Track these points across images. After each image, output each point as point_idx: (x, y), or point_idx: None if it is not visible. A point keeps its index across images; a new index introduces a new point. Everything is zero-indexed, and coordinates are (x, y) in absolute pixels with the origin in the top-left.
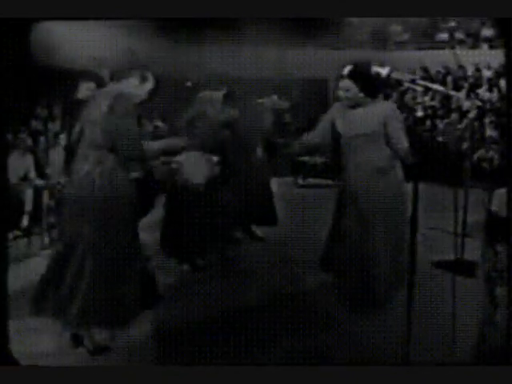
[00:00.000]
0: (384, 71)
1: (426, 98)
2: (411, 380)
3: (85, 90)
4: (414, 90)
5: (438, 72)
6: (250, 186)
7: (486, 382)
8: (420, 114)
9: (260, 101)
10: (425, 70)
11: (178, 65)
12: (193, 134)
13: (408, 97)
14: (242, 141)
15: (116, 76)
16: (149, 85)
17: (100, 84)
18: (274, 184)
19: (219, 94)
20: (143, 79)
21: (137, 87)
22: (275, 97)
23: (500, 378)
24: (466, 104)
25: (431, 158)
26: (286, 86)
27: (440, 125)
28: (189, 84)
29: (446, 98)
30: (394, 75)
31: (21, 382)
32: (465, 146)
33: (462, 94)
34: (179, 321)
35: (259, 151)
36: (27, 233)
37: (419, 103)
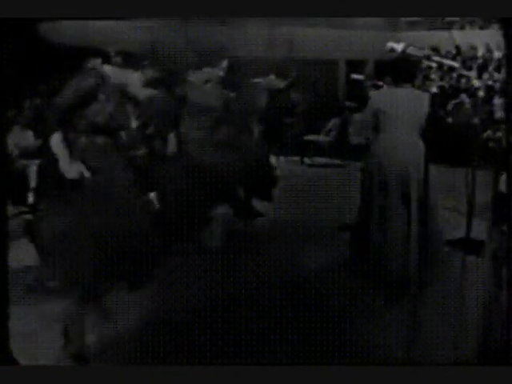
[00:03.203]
0: (399, 47)
1: (436, 76)
2: (411, 380)
3: (90, 65)
4: (429, 67)
5: (448, 52)
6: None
7: (486, 382)
8: (434, 90)
9: (256, 80)
10: (435, 49)
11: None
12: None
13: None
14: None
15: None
16: (150, 92)
17: (106, 61)
18: (278, 162)
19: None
20: (147, 83)
21: (138, 88)
22: (272, 76)
23: (500, 378)
24: (476, 83)
25: (442, 138)
26: (295, 66)
27: (449, 105)
28: None
29: (457, 77)
30: (409, 51)
31: (21, 382)
32: (473, 126)
33: (473, 73)
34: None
35: (255, 130)
36: (33, 209)
37: (433, 80)
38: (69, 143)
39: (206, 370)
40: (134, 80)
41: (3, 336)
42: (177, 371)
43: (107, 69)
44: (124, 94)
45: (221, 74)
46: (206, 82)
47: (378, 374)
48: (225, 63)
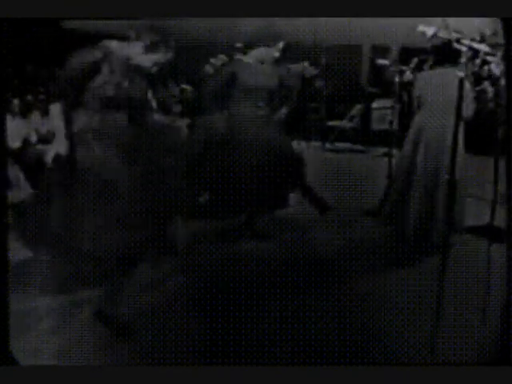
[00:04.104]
0: (430, 31)
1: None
2: (409, 380)
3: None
4: (460, 51)
5: (473, 39)
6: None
7: (486, 382)
8: (461, 74)
9: (289, 66)
10: (460, 33)
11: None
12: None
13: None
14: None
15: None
16: (157, 56)
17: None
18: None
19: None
20: (151, 48)
21: (142, 56)
22: (306, 63)
23: (500, 378)
24: (497, 70)
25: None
26: (318, 53)
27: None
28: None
29: (480, 64)
30: (441, 34)
31: (21, 382)
32: (496, 113)
33: (496, 59)
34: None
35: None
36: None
37: (463, 64)
38: (68, 116)
39: (205, 370)
40: (135, 49)
41: (3, 336)
42: (177, 371)
43: (110, 43)
44: (130, 68)
45: (276, 54)
46: (260, 62)
47: (380, 374)
48: (281, 44)
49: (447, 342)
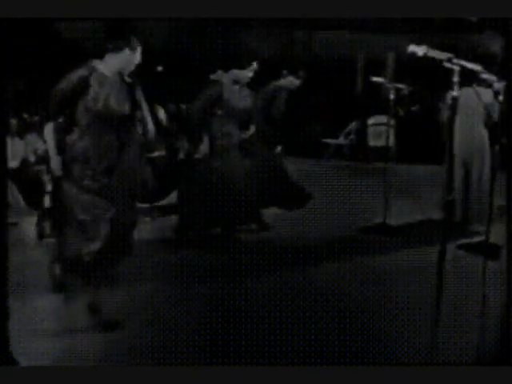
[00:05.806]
0: (421, 50)
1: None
2: (409, 380)
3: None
4: (451, 70)
5: (466, 56)
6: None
7: (486, 382)
8: (455, 93)
9: (276, 82)
10: (454, 51)
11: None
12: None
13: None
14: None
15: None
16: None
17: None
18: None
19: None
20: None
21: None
22: (291, 77)
23: (500, 378)
24: (497, 86)
25: None
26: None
27: None
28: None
29: (478, 82)
30: (431, 54)
31: (21, 382)
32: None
33: (493, 76)
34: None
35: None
36: (50, 213)
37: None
38: (59, 134)
39: (205, 370)
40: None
41: (3, 336)
42: (177, 371)
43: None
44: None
45: (250, 75)
46: (235, 82)
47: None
48: (254, 65)
49: (447, 343)
